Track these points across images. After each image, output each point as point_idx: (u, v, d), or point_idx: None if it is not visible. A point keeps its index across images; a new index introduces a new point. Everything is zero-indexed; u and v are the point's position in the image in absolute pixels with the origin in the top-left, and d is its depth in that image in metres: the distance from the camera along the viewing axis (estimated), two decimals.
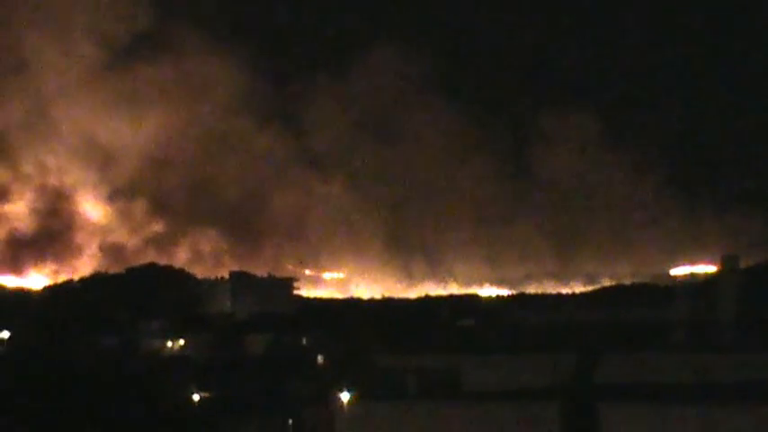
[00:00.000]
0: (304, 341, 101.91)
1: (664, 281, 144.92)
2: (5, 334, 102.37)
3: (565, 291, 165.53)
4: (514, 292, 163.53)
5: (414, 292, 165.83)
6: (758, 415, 24.20)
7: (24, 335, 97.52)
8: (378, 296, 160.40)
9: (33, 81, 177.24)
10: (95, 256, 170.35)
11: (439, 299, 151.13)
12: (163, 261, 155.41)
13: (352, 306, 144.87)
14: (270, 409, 73.22)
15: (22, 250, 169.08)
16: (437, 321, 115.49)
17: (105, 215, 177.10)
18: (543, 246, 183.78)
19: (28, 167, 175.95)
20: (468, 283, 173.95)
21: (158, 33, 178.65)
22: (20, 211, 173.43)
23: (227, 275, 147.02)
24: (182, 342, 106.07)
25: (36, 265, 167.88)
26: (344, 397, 59.13)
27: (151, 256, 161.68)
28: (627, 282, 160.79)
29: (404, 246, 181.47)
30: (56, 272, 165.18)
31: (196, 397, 77.51)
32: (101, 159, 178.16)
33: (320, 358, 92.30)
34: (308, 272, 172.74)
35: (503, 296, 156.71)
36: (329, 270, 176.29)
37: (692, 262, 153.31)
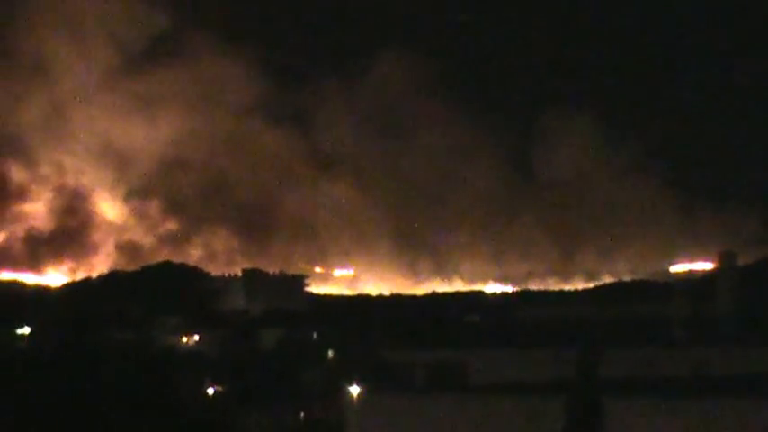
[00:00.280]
0: (315, 336, 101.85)
1: (663, 278, 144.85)
2: (26, 330, 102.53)
3: (567, 287, 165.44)
4: (518, 288, 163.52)
5: (421, 289, 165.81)
6: (755, 407, 24.36)
7: (44, 331, 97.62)
8: (386, 293, 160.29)
9: (51, 84, 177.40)
10: (111, 255, 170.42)
11: (445, 295, 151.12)
12: (177, 259, 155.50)
13: (362, 302, 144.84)
14: (282, 401, 73.25)
15: (40, 249, 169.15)
16: (444, 317, 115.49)
17: (121, 214, 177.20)
18: (545, 244, 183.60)
19: (46, 168, 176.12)
20: (473, 281, 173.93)
21: (173, 38, 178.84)
22: (38, 210, 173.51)
23: (239, 273, 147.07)
24: (196, 338, 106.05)
25: (54, 263, 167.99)
26: (354, 390, 59.14)
27: (165, 255, 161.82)
28: (627, 279, 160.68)
29: (411, 244, 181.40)
30: (73, 270, 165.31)
31: (210, 390, 77.67)
32: (117, 160, 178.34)
33: (330, 353, 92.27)
34: (318, 269, 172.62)
35: (507, 293, 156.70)
36: (339, 267, 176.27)
37: (691, 259, 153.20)
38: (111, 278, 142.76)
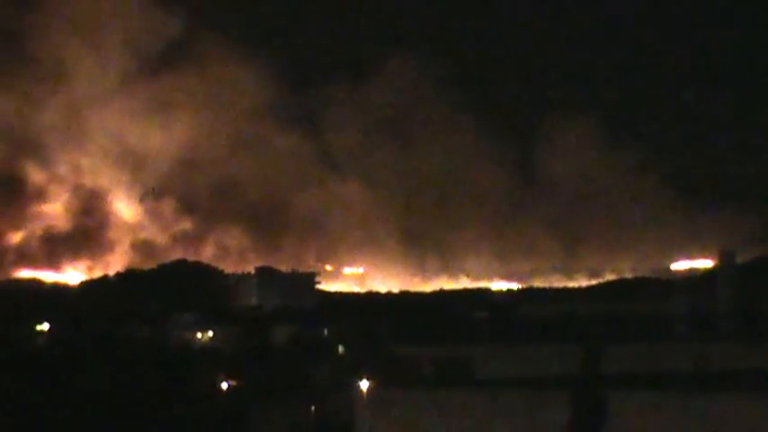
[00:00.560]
0: (325, 332, 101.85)
1: (664, 275, 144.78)
2: (45, 326, 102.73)
3: (570, 284, 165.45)
4: (523, 286, 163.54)
5: (429, 287, 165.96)
6: (755, 400, 24.52)
7: (64, 327, 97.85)
8: (395, 290, 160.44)
9: (69, 88, 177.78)
10: (127, 253, 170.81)
11: (452, 293, 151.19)
12: (190, 257, 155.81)
13: (371, 299, 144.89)
14: (293, 395, 73.33)
15: (58, 247, 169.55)
16: (451, 314, 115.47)
17: (136, 214, 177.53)
18: (549, 242, 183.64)
19: (64, 169, 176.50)
20: (479, 278, 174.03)
21: (187, 42, 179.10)
22: (56, 210, 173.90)
23: (252, 271, 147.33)
24: (211, 334, 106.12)
25: (71, 261, 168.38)
26: (364, 384, 59.21)
27: (179, 253, 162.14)
28: (629, 276, 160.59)
29: (418, 242, 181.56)
30: (90, 268, 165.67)
31: (224, 385, 77.78)
32: (132, 161, 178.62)
33: (341, 348, 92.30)
34: (328, 267, 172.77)
35: (512, 290, 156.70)
36: (349, 265, 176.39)
37: (691, 257, 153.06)
38: (128, 276, 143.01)
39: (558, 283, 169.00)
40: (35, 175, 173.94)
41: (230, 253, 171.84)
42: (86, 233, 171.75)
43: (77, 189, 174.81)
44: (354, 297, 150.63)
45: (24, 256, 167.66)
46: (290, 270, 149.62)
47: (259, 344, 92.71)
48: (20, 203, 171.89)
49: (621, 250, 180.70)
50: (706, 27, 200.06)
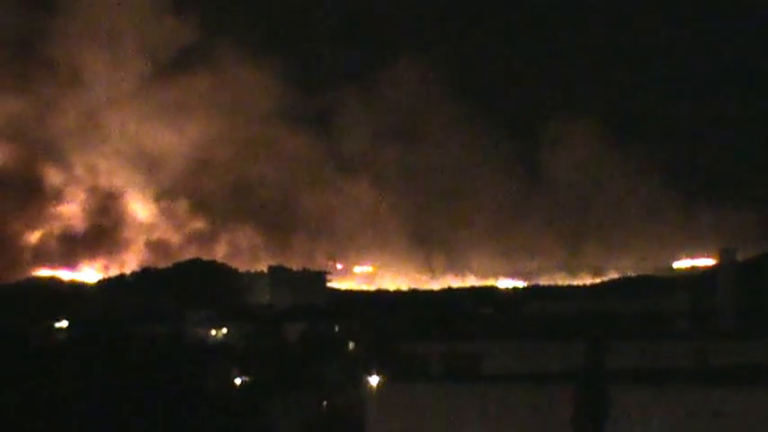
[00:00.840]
0: (336, 329, 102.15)
1: (666, 273, 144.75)
2: (64, 323, 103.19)
3: (574, 282, 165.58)
4: (528, 283, 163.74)
5: (436, 284, 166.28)
6: (754, 396, 24.72)
7: (82, 323, 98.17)
8: (404, 288, 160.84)
9: (86, 91, 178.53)
10: (142, 252, 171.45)
11: (460, 290, 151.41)
12: (203, 256, 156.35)
13: (380, 297, 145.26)
14: (305, 390, 73.57)
15: (75, 246, 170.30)
16: (458, 311, 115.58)
17: (151, 214, 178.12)
18: (554, 241, 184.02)
19: (81, 171, 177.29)
20: (486, 276, 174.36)
21: (200, 47, 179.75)
22: (73, 210, 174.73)
23: (265, 270, 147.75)
24: (225, 330, 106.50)
25: (88, 260, 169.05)
26: (374, 380, 59.38)
27: (193, 252, 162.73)
28: (631, 274, 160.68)
29: (426, 241, 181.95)
30: (106, 266, 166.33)
31: (238, 380, 78.12)
32: (147, 163, 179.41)
33: (351, 345, 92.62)
34: (339, 266, 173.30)
35: (518, 287, 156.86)
36: (358, 264, 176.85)
37: (692, 255, 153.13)
38: (145, 274, 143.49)
39: (563, 281, 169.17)
40: (53, 176, 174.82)
41: (242, 252, 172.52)
42: (102, 233, 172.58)
43: (94, 190, 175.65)
44: (364, 295, 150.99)
45: (42, 255, 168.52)
46: (301, 268, 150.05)
47: (272, 340, 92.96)
48: (38, 204, 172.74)
49: (624, 249, 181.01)
50: (707, 28, 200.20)
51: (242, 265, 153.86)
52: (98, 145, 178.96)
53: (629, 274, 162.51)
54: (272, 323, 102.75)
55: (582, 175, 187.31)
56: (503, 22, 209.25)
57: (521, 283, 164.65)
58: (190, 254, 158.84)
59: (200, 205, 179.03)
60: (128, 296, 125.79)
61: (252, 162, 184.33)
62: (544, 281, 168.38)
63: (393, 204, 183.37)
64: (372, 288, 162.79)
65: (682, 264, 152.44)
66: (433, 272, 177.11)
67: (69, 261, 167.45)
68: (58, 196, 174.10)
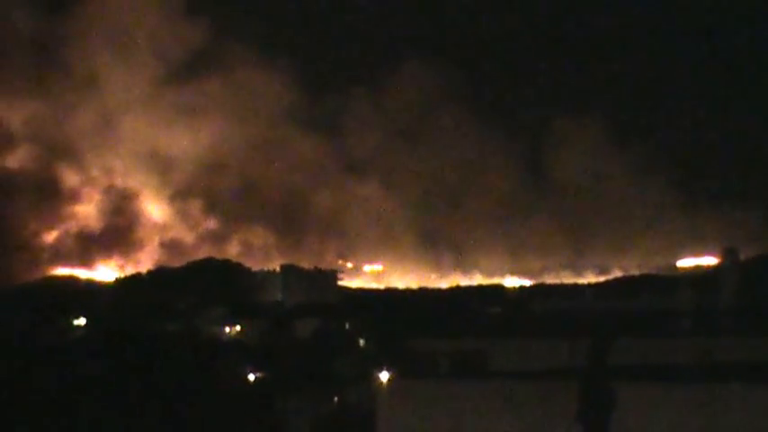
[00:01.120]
0: (347, 326, 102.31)
1: (670, 272, 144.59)
2: (82, 321, 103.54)
3: (579, 281, 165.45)
4: (534, 282, 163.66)
5: (445, 283, 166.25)
6: (753, 392, 24.87)
7: (100, 321, 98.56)
8: (413, 286, 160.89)
9: (101, 95, 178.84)
10: (156, 251, 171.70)
11: (467, 288, 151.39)
12: (217, 255, 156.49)
13: (390, 295, 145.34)
14: (317, 387, 73.73)
15: (90, 246, 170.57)
16: (466, 309, 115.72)
17: (165, 214, 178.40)
18: (559, 240, 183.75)
19: (96, 171, 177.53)
20: (492, 274, 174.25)
21: (211, 50, 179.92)
22: (89, 210, 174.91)
23: (278, 268, 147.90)
24: (238, 328, 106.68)
25: (104, 259, 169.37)
26: (384, 376, 59.64)
27: (206, 251, 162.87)
28: (635, 273, 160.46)
29: (434, 240, 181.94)
30: (121, 265, 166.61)
31: (251, 377, 78.36)
32: (161, 164, 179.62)
33: (362, 342, 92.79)
34: (349, 265, 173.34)
35: (524, 286, 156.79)
36: (368, 263, 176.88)
37: (696, 254, 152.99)
38: (160, 273, 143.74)
39: (568, 279, 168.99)
40: (69, 177, 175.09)
41: (254, 251, 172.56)
42: (118, 232, 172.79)
43: (109, 190, 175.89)
44: (374, 293, 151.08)
45: (59, 254, 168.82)
46: (312, 267, 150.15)
47: (284, 338, 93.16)
48: (55, 204, 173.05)
49: (628, 248, 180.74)
50: (708, 28, 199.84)
51: (254, 264, 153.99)
52: (113, 147, 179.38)
53: (633, 272, 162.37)
54: (284, 320, 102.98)
55: (587, 175, 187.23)
56: (508, 22, 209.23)
57: (527, 282, 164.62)
58: (203, 253, 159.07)
59: (213, 206, 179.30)
60: (143, 294, 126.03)
61: (263, 163, 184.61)
62: (549, 279, 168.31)
63: (402, 204, 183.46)
64: (382, 286, 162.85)
65: (685, 263, 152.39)
66: (441, 270, 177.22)
67: (86, 260, 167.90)
68: (74, 197, 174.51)
